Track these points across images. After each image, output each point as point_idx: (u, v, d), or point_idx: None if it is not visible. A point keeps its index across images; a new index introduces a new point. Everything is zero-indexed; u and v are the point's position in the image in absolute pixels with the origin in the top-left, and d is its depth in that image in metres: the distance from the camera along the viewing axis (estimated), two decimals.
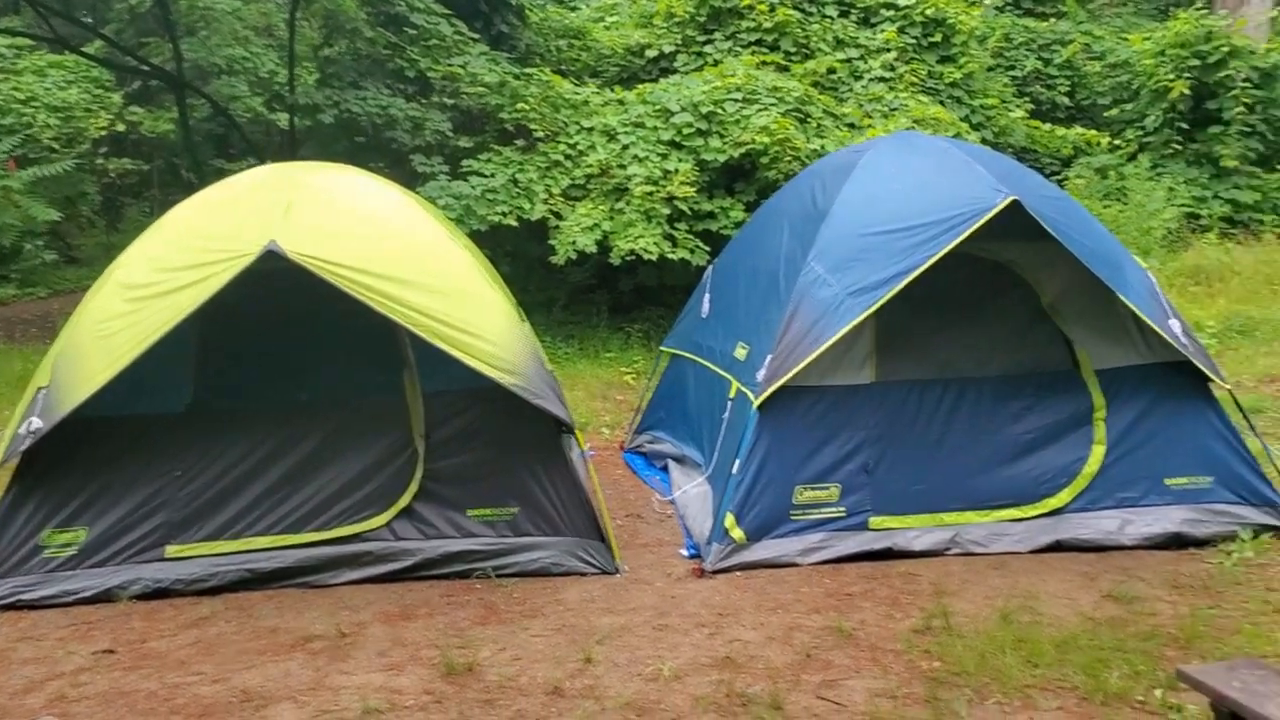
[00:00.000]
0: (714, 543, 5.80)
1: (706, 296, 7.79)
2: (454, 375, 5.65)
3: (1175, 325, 6.15)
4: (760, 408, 5.94)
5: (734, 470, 5.90)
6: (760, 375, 5.99)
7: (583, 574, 5.72)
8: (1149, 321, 6.02)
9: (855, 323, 5.87)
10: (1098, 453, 6.17)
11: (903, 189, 6.30)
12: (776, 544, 5.85)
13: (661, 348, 8.42)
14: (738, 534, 5.80)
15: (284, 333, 5.99)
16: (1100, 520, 6.06)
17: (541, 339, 11.68)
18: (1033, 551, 5.95)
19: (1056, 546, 5.98)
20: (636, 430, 8.32)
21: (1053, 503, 6.11)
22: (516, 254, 12.11)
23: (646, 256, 10.28)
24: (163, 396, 5.84)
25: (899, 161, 6.59)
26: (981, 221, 5.82)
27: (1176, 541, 5.98)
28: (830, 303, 5.98)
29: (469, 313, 5.64)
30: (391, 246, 5.76)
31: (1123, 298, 6.00)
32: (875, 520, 5.99)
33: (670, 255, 10.38)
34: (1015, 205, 5.82)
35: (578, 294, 12.55)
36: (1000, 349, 6.37)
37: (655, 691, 4.38)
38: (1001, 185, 5.92)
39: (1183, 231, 14.18)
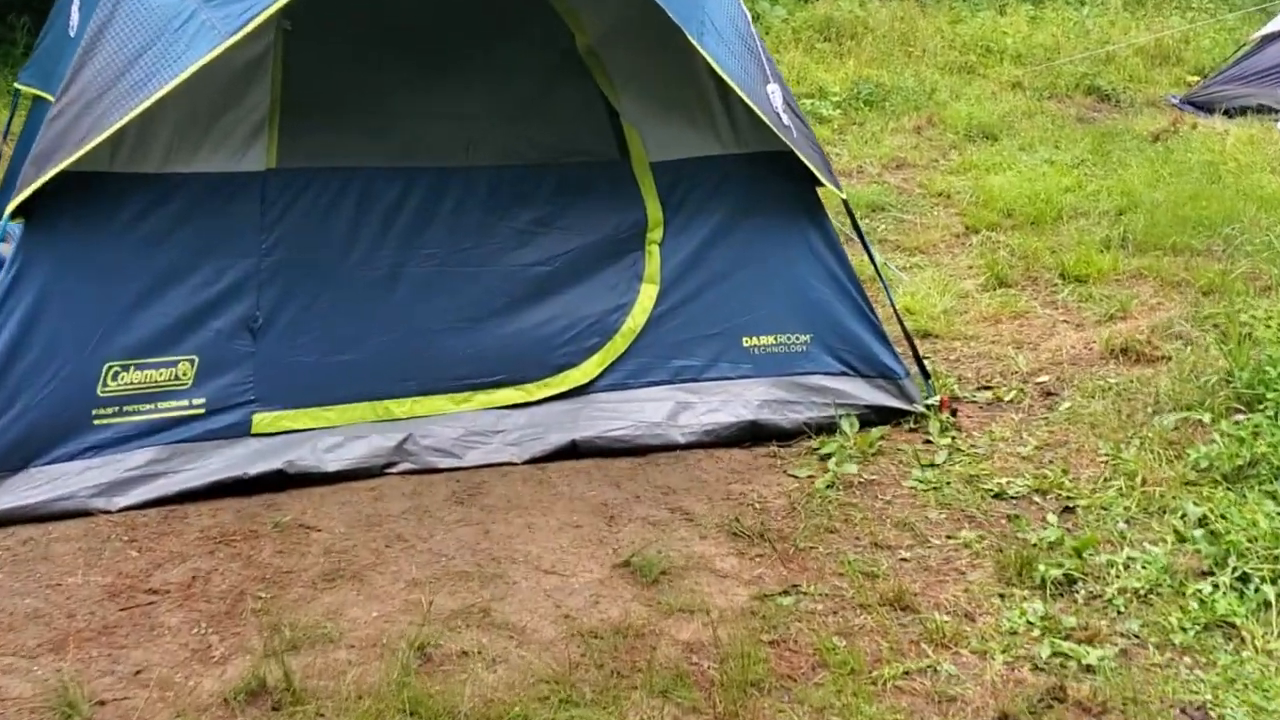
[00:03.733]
0: None
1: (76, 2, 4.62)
2: None
3: (775, 95, 3.82)
4: (21, 216, 3.12)
5: None
6: None
7: None
8: (734, 85, 3.65)
9: (215, 54, 3.11)
10: (647, 296, 3.87)
11: None
12: (56, 475, 3.16)
13: (17, 84, 5.21)
14: None
15: None
16: (644, 405, 3.82)
17: None
18: (534, 461, 3.64)
19: (574, 450, 3.71)
20: None
21: (575, 377, 3.79)
22: None
23: None
24: None
25: None
26: None
27: (753, 434, 3.87)
28: (171, 15, 3.15)
29: None
30: None
31: (695, 42, 3.56)
32: (264, 418, 3.43)
33: None
34: None
35: None
36: (504, 123, 3.83)
37: None
38: None
39: None
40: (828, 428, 3.87)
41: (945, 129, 8.35)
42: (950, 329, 4.85)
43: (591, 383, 3.79)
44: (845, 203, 4.06)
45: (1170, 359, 4.24)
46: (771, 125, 3.72)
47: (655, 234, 3.89)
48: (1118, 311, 4.82)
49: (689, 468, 3.68)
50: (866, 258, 4.26)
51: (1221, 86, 8.98)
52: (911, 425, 3.95)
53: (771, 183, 3.92)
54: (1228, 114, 8.43)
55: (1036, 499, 3.46)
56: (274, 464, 3.37)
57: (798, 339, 3.95)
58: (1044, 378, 4.32)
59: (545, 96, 3.87)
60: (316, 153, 3.55)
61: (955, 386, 4.26)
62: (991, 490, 3.51)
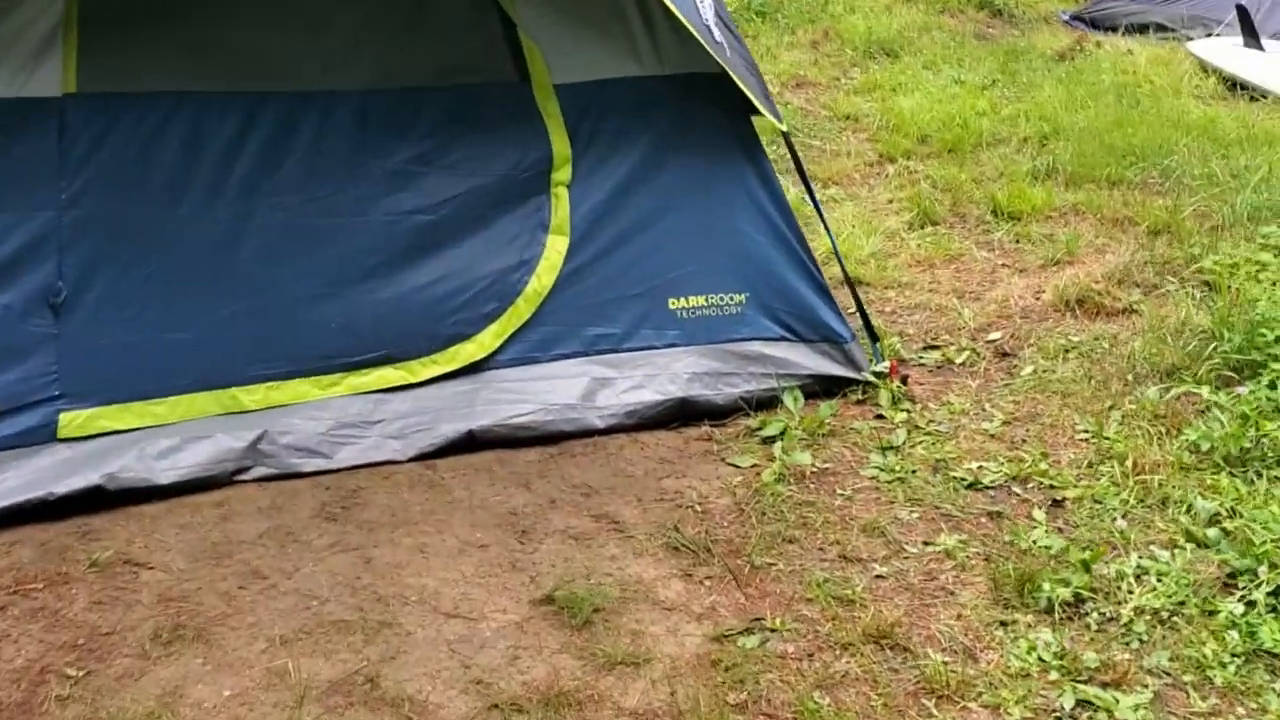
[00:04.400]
0: None
1: None
2: None
3: (705, 5, 3.16)
4: None
5: None
6: None
7: None
8: None
9: None
10: (555, 250, 3.21)
11: None
12: None
13: None
14: None
15: None
16: (554, 383, 3.19)
17: None
18: (422, 458, 2.99)
19: (470, 442, 3.06)
20: None
21: (470, 351, 3.13)
22: None
23: None
24: None
25: None
26: None
27: (682, 413, 3.29)
28: None
29: None
30: None
31: None
32: (73, 419, 2.68)
33: None
34: None
35: None
36: (373, 36, 3.08)
37: None
38: None
39: None
40: (767, 403, 3.32)
41: (843, 44, 7.81)
42: (882, 275, 4.33)
43: (490, 357, 3.14)
44: (786, 136, 3.45)
45: (1136, 313, 3.81)
46: (702, 40, 3.08)
47: (562, 174, 3.22)
48: (1063, 255, 4.37)
49: (611, 459, 3.08)
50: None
51: (1112, 3, 8.67)
52: (859, 396, 3.43)
53: (700, 111, 3.30)
54: (1127, 32, 8.11)
55: (1016, 489, 2.98)
56: (89, 478, 2.63)
57: (731, 299, 3.36)
58: (995, 334, 3.84)
59: (425, 3, 3.12)
60: (130, 74, 2.76)
61: (899, 346, 3.75)
62: (963, 479, 3.01)
